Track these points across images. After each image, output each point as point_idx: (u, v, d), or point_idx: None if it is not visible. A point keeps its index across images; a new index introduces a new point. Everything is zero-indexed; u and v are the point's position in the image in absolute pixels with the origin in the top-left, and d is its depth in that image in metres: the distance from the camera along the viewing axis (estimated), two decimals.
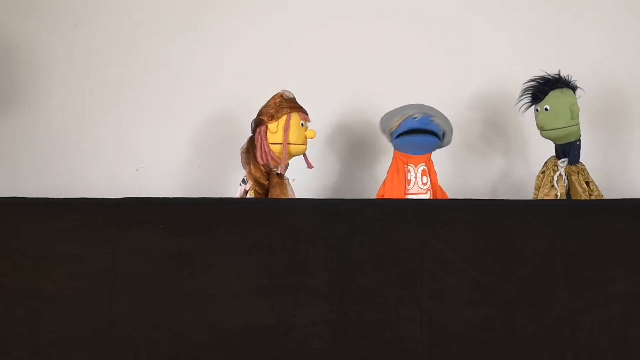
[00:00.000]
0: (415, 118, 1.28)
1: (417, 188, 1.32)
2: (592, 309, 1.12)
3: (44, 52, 1.69)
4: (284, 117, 1.29)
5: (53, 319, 1.15)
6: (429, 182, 1.33)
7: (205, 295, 1.14)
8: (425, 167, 1.33)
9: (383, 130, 1.35)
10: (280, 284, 1.14)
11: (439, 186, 1.35)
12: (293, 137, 1.30)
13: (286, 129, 1.29)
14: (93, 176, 1.65)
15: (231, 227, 1.16)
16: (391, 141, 1.34)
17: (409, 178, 1.32)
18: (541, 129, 1.34)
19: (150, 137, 1.66)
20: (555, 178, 1.32)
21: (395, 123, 1.29)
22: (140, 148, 1.66)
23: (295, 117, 1.30)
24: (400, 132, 1.29)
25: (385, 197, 1.32)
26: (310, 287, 1.14)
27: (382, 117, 1.35)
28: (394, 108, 1.35)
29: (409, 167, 1.32)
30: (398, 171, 1.32)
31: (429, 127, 1.29)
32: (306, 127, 1.32)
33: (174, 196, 1.21)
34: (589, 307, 1.12)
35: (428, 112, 1.31)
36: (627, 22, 1.63)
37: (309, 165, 1.36)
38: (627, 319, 1.12)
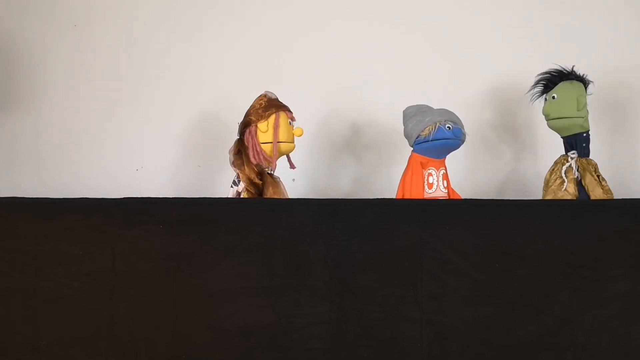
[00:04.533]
0: (448, 128, 1.28)
1: (439, 192, 1.30)
2: (592, 309, 1.12)
3: (44, 52, 1.69)
4: (273, 116, 1.30)
5: (53, 319, 1.15)
6: (447, 186, 1.33)
7: (205, 295, 1.14)
8: (445, 171, 1.32)
9: (408, 136, 1.32)
10: (280, 283, 1.14)
11: (452, 189, 1.35)
12: (283, 135, 1.31)
13: (276, 127, 1.30)
14: (93, 176, 1.65)
15: (231, 227, 1.16)
16: (413, 144, 1.32)
17: (430, 181, 1.30)
18: (546, 117, 1.35)
19: (150, 137, 1.66)
20: (564, 169, 1.32)
21: (426, 131, 1.28)
22: (140, 148, 1.66)
23: (283, 116, 1.32)
24: (431, 139, 1.28)
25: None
26: (310, 286, 1.14)
27: (408, 123, 1.32)
28: (408, 110, 1.34)
29: (430, 170, 1.31)
30: (416, 173, 1.30)
31: (459, 137, 1.30)
32: (292, 126, 1.33)
33: (173, 196, 1.21)
34: (589, 307, 1.12)
35: (453, 119, 1.30)
36: (633, 16, 1.62)
37: (292, 166, 1.37)
38: (627, 319, 1.12)
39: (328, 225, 1.15)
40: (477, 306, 1.13)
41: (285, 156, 1.36)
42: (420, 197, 1.29)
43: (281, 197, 1.30)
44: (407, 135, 1.33)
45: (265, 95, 1.34)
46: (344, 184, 1.65)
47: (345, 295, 1.13)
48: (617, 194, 1.34)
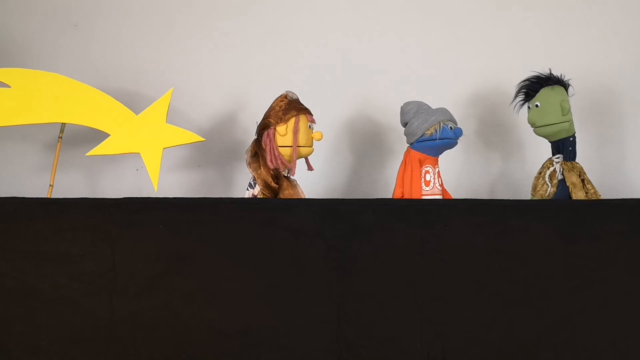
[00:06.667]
0: (450, 128, 1.29)
1: (436, 189, 1.31)
2: (592, 309, 1.12)
3: (44, 52, 1.69)
4: (293, 120, 1.27)
5: (53, 319, 1.15)
6: (441, 184, 1.33)
7: (205, 295, 1.14)
8: (439, 169, 1.33)
9: (412, 134, 1.32)
10: (280, 283, 1.14)
11: (445, 188, 1.35)
12: (302, 139, 1.28)
13: (295, 131, 1.27)
14: (93, 176, 1.65)
15: (231, 227, 1.16)
16: (414, 141, 1.32)
17: (428, 179, 1.31)
18: (533, 125, 1.35)
19: None
20: (548, 173, 1.33)
21: (431, 130, 1.29)
22: None
23: (303, 120, 1.28)
24: (434, 138, 1.29)
25: (405, 196, 1.29)
26: (310, 287, 1.14)
27: (413, 121, 1.32)
28: (408, 106, 1.34)
29: (427, 167, 1.31)
30: (415, 170, 1.30)
31: (459, 137, 1.31)
32: (312, 129, 1.31)
33: (174, 196, 1.21)
34: (589, 307, 1.12)
35: (453, 119, 1.31)
36: (618, 21, 1.63)
37: (310, 168, 1.35)
38: (627, 319, 1.12)
39: (328, 225, 1.15)
40: (477, 306, 1.13)
41: (303, 158, 1.33)
42: (418, 193, 1.29)
43: None
44: (410, 133, 1.32)
45: (286, 96, 1.30)
46: (344, 185, 1.65)
47: (345, 295, 1.13)
48: (605, 197, 1.33)
